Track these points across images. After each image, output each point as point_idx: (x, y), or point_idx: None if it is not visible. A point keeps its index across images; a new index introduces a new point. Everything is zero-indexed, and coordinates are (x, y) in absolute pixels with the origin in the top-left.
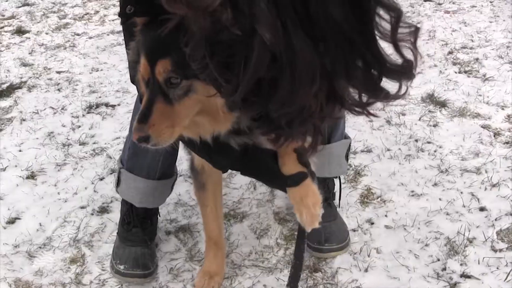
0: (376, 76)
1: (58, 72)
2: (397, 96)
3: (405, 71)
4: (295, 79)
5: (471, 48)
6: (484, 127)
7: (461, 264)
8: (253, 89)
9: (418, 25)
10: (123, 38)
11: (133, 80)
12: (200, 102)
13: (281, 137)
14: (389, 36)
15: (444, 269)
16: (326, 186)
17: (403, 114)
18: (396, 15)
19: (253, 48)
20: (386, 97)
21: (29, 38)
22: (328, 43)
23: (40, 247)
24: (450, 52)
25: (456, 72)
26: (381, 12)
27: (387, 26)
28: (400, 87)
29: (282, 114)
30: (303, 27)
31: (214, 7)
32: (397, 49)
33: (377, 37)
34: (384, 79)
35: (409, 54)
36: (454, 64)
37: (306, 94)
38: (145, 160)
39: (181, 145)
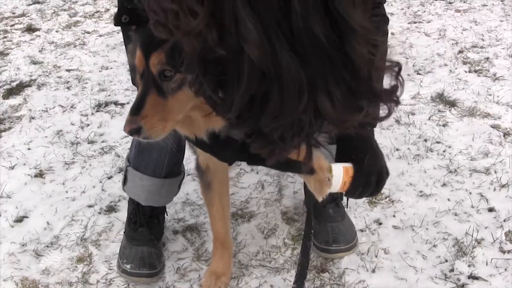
0: (356, 96)
1: (68, 70)
2: (377, 118)
3: (387, 96)
4: (284, 93)
5: (481, 47)
6: (493, 127)
7: (469, 265)
8: (247, 105)
9: (401, 63)
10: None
11: (134, 82)
12: (193, 97)
13: (275, 151)
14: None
15: (452, 270)
16: None
17: (413, 114)
18: (373, 50)
19: (243, 66)
20: (366, 116)
21: (39, 36)
22: (309, 58)
23: (47, 246)
24: (461, 51)
25: (466, 72)
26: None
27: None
28: (388, 109)
29: (273, 128)
30: (287, 42)
31: (199, 29)
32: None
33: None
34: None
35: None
36: (464, 63)
37: (295, 108)
38: (151, 158)
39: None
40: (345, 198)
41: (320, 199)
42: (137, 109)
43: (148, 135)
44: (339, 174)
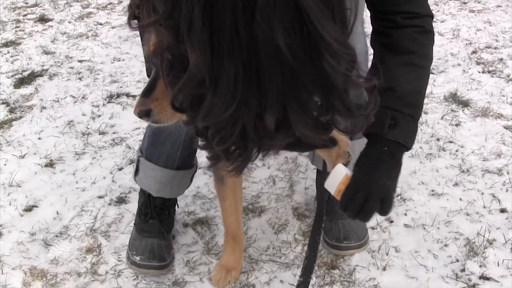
0: (327, 111)
1: (80, 61)
2: (347, 131)
3: (360, 111)
4: (215, 99)
5: (495, 48)
6: (507, 128)
7: (480, 266)
8: (187, 101)
9: (375, 81)
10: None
11: (149, 74)
12: None
13: (219, 158)
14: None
15: (463, 270)
16: None
17: (425, 113)
18: (350, 66)
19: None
20: (339, 130)
21: (51, 26)
22: (265, 70)
23: (56, 236)
24: (474, 52)
25: (479, 72)
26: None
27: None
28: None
29: (207, 129)
30: (241, 51)
31: (157, 25)
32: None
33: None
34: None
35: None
36: (478, 63)
37: (219, 116)
38: (164, 149)
39: None
40: None
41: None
42: (148, 92)
43: (158, 118)
44: (341, 175)
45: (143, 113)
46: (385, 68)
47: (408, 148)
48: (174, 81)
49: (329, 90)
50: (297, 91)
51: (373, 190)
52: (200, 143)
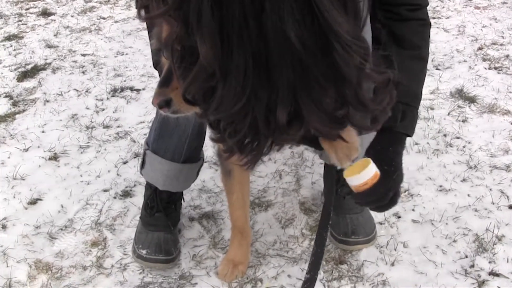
0: (341, 104)
1: (83, 55)
2: (364, 127)
3: (375, 105)
4: (225, 91)
5: (501, 45)
6: None
7: (489, 262)
8: (199, 93)
9: (389, 74)
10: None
11: (156, 65)
12: None
13: (233, 150)
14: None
15: (472, 266)
16: None
17: (432, 108)
18: (364, 59)
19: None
20: (355, 126)
21: (54, 20)
22: (275, 62)
23: (61, 229)
24: (480, 48)
25: (486, 68)
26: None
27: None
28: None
29: (219, 121)
30: (251, 43)
31: (166, 16)
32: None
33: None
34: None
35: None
36: (484, 60)
37: (230, 108)
38: (171, 142)
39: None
40: None
41: (346, 165)
42: (165, 82)
43: (178, 108)
44: (372, 170)
45: (163, 103)
46: (394, 63)
47: (411, 136)
48: (185, 73)
49: (342, 83)
50: (309, 84)
51: (398, 185)
52: (213, 135)
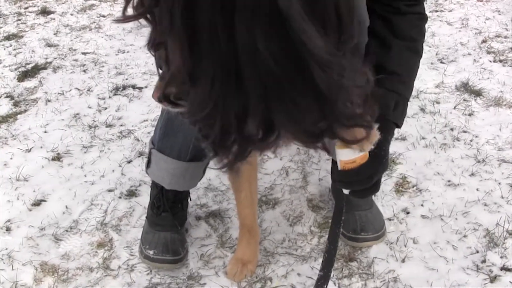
0: (314, 121)
1: (84, 53)
2: (350, 142)
3: (354, 120)
4: (194, 97)
5: (505, 37)
6: None
7: (501, 257)
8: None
9: (366, 91)
10: None
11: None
12: None
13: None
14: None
15: (484, 261)
16: None
17: (437, 102)
18: (339, 74)
19: None
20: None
21: (54, 19)
22: (245, 72)
23: (66, 231)
24: (484, 41)
25: (490, 61)
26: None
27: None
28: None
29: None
30: (220, 53)
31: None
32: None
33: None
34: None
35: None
36: (488, 53)
37: (197, 115)
38: (176, 141)
39: None
40: None
41: (367, 148)
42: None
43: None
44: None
45: (162, 97)
46: (393, 53)
47: (399, 127)
48: (163, 75)
49: (318, 98)
50: (282, 98)
51: (383, 172)
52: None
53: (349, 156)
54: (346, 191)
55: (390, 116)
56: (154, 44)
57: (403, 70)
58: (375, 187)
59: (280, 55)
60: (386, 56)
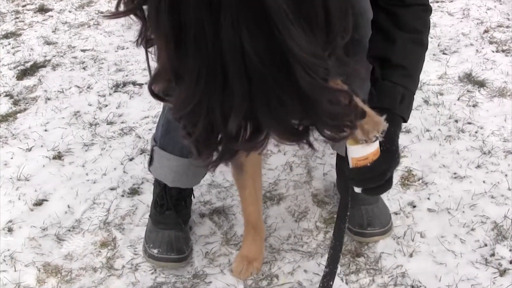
0: (299, 121)
1: (83, 51)
2: (332, 139)
3: (336, 120)
4: (179, 94)
5: (507, 27)
6: None
7: (510, 250)
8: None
9: (349, 94)
10: None
11: None
12: None
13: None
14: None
15: (493, 254)
16: None
17: (441, 94)
18: (323, 77)
19: None
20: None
21: (52, 16)
22: (230, 71)
23: (69, 230)
24: (486, 31)
25: (493, 51)
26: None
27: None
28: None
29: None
30: (207, 50)
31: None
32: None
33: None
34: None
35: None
36: (491, 43)
37: (181, 110)
38: (179, 138)
39: None
40: None
41: (373, 137)
42: None
43: None
44: (375, 145)
45: (151, 93)
46: (398, 46)
47: (406, 121)
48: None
49: (302, 99)
50: (267, 97)
51: (395, 167)
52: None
53: (361, 153)
54: (358, 190)
55: (397, 110)
56: (143, 41)
57: (409, 63)
58: (388, 184)
59: (265, 53)
60: (391, 49)
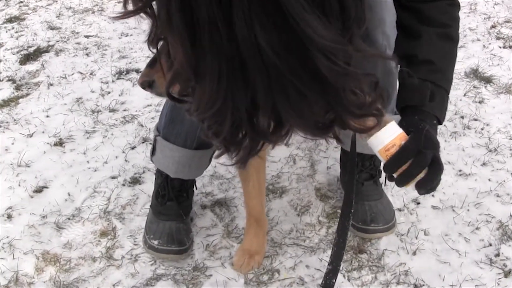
0: (322, 112)
1: (87, 37)
2: (358, 131)
3: (363, 109)
4: (198, 94)
5: None
6: None
7: None
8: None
9: (374, 78)
10: None
11: None
12: None
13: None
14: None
15: (498, 255)
16: (372, 163)
17: None
18: (345, 61)
19: None
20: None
21: (56, 1)
22: (249, 66)
23: (68, 218)
24: (493, 26)
25: (500, 47)
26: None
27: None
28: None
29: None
30: (223, 47)
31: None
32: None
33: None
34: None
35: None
36: (498, 38)
37: (205, 112)
38: (182, 128)
39: None
40: (383, 176)
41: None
42: (154, 62)
43: (161, 91)
44: (395, 129)
45: (146, 83)
46: (423, 40)
47: (441, 122)
48: (170, 66)
49: (324, 88)
50: (286, 90)
51: (435, 146)
52: (203, 132)
53: (385, 140)
54: (410, 187)
55: (427, 107)
56: (154, 39)
57: (437, 58)
58: (437, 164)
59: (281, 46)
60: (417, 45)
